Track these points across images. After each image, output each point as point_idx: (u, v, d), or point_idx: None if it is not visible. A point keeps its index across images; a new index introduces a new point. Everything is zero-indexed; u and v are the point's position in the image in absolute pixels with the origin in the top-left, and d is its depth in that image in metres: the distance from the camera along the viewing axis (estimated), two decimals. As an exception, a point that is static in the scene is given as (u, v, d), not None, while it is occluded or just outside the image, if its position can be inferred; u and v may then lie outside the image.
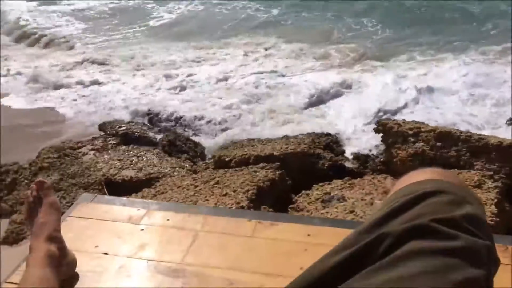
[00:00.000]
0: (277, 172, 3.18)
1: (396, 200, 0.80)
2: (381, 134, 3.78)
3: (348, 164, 3.87)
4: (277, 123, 5.53)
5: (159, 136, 5.03)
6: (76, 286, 1.29)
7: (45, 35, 9.59)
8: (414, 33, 8.57)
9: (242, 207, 2.65)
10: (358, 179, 3.21)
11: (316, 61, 7.71)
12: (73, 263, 1.33)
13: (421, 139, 3.43)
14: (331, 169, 3.67)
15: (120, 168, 3.91)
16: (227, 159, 3.72)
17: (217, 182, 3.07)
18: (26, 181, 3.62)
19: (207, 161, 4.45)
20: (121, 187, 3.60)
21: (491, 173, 3.05)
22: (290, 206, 2.96)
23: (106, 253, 1.42)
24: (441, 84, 6.38)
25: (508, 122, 5.10)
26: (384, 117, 5.38)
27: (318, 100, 6.21)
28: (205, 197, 2.86)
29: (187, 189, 3.04)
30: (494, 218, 2.46)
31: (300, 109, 5.98)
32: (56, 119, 5.75)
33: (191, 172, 3.83)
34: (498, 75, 6.49)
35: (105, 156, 4.20)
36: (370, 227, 0.77)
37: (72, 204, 1.78)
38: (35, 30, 9.90)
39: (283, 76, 7.13)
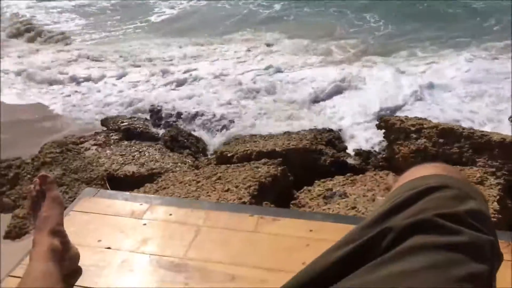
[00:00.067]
0: (279, 168, 3.18)
1: (399, 195, 0.80)
2: (383, 130, 3.77)
3: (350, 160, 3.87)
4: (279, 119, 5.53)
5: (161, 132, 5.04)
6: (78, 280, 1.30)
7: (42, 31, 9.56)
8: (417, 28, 8.54)
9: (244, 203, 2.66)
10: (360, 175, 3.21)
11: (318, 57, 7.69)
12: (76, 257, 1.33)
13: (424, 135, 3.43)
14: (333, 165, 3.67)
15: (122, 163, 3.91)
16: (229, 155, 3.72)
17: (219, 178, 3.07)
18: (28, 176, 3.63)
19: (209, 156, 4.45)
20: (123, 182, 3.61)
21: (494, 169, 3.05)
22: (292, 202, 2.96)
23: (108, 248, 1.43)
24: (442, 81, 6.36)
25: (510, 119, 5.08)
26: (385, 113, 5.37)
27: (320, 96, 6.19)
28: (207, 192, 2.87)
29: (189, 185, 3.04)
30: (496, 215, 2.46)
31: (302, 105, 5.97)
32: (46, 114, 5.73)
33: (193, 168, 3.83)
34: (500, 71, 6.46)
35: (107, 151, 4.21)
36: (373, 222, 0.77)
37: (74, 199, 1.79)
38: (32, 26, 9.87)
39: (285, 72, 7.12)
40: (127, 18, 10.54)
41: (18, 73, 7.06)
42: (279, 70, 7.14)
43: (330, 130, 4.56)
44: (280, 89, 6.39)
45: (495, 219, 2.41)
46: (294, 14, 10.03)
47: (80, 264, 1.33)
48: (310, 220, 1.54)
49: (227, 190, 2.85)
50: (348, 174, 3.21)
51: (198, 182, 3.07)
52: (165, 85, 6.70)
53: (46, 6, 11.45)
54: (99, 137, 4.61)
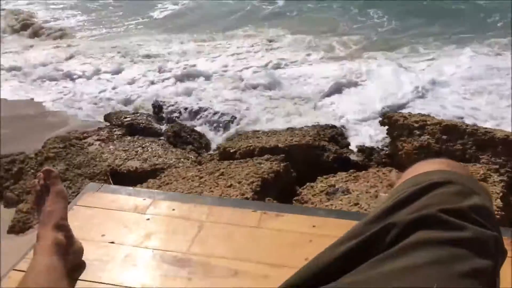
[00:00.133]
0: (281, 164, 3.18)
1: (403, 191, 0.80)
2: (386, 127, 3.77)
3: (353, 157, 3.87)
4: (282, 115, 5.52)
5: (164, 127, 5.05)
6: (82, 274, 1.30)
7: (42, 27, 9.53)
8: (420, 24, 8.50)
9: (247, 199, 2.66)
10: (363, 171, 3.21)
11: (320, 53, 7.67)
12: (80, 251, 1.34)
13: (427, 132, 3.42)
14: (336, 161, 3.67)
15: (126, 159, 3.92)
16: (232, 151, 3.72)
17: (222, 174, 3.07)
18: (32, 170, 3.64)
19: (212, 152, 4.46)
20: (126, 178, 3.61)
21: (497, 166, 3.04)
22: (295, 198, 2.96)
23: (112, 242, 1.43)
24: (444, 77, 6.33)
25: None
26: (386, 110, 5.36)
27: (323, 92, 6.18)
28: (210, 188, 2.87)
29: (192, 180, 3.05)
30: (499, 212, 2.45)
31: (304, 101, 5.96)
32: (38, 111, 5.71)
33: (196, 163, 3.84)
34: (503, 67, 6.42)
35: (111, 147, 4.21)
36: (376, 218, 0.77)
37: (77, 194, 1.79)
38: (31, 22, 9.83)
39: (287, 68, 7.10)
40: (129, 14, 10.52)
41: (12, 69, 7.03)
42: (281, 66, 7.13)
43: (333, 127, 4.55)
44: (283, 85, 6.38)
45: (498, 216, 2.41)
46: (297, 10, 9.99)
47: (84, 258, 1.34)
48: (313, 216, 1.54)
49: (230, 186, 2.86)
50: (351, 171, 3.21)
51: (201, 177, 3.07)
52: (162, 81, 6.68)
53: (47, 2, 11.40)
54: (102, 132, 4.62)
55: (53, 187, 1.31)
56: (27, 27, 9.59)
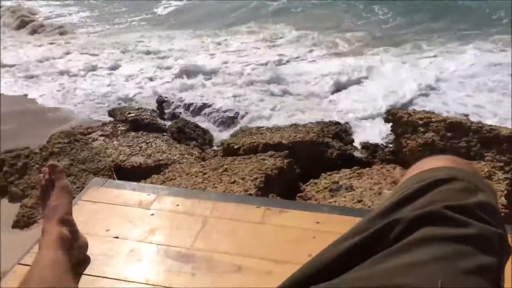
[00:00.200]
0: (285, 161, 3.18)
1: (408, 187, 0.79)
2: (390, 124, 3.76)
3: (356, 154, 3.86)
4: (285, 111, 5.52)
5: (168, 123, 5.05)
6: (87, 269, 1.31)
7: (43, 24, 9.53)
8: (425, 21, 8.48)
9: (250, 195, 2.66)
10: (367, 168, 3.20)
11: (324, 49, 7.66)
12: (85, 246, 1.34)
13: (431, 129, 3.41)
14: (340, 158, 3.67)
15: (130, 154, 3.93)
16: (235, 147, 3.72)
17: (226, 170, 3.08)
18: (37, 165, 3.66)
19: (215, 148, 4.46)
20: (130, 173, 3.63)
21: (502, 164, 3.03)
22: (298, 194, 2.96)
23: (116, 237, 1.44)
24: (448, 74, 6.32)
25: None
26: (388, 107, 5.34)
27: (327, 88, 6.18)
28: (214, 184, 2.88)
29: (196, 176, 3.05)
30: (504, 210, 2.45)
31: (308, 97, 5.96)
32: (32, 107, 5.71)
33: (199, 159, 3.84)
34: (506, 64, 6.39)
35: (115, 142, 4.22)
36: (381, 214, 0.77)
37: (82, 189, 1.80)
38: (32, 19, 9.82)
39: (291, 64, 7.10)
40: (133, 10, 10.52)
41: (6, 66, 7.03)
42: (284, 63, 7.12)
43: (337, 123, 4.55)
44: (286, 81, 6.38)
45: (502, 214, 2.41)
46: (302, 6, 9.97)
47: (88, 253, 1.35)
48: (317, 212, 1.54)
49: (234, 182, 2.86)
50: (355, 167, 3.20)
51: (205, 173, 3.08)
52: (161, 78, 6.68)
53: (50, -1, 11.47)
54: (106, 128, 4.63)
55: (58, 182, 1.32)
56: (26, 23, 9.57)
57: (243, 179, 2.88)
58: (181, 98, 5.76)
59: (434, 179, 0.79)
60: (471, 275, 0.65)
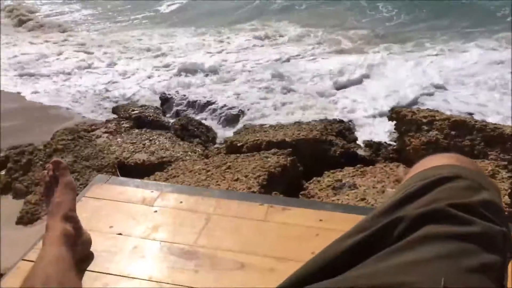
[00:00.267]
0: (288, 158, 3.18)
1: (412, 185, 0.79)
2: (394, 122, 3.75)
3: (360, 152, 3.85)
4: (288, 109, 5.52)
5: (171, 120, 5.06)
6: (90, 265, 1.31)
7: (42, 22, 9.50)
8: (429, 18, 8.44)
9: (253, 193, 2.66)
10: (370, 166, 3.19)
11: (327, 47, 7.64)
12: (88, 242, 1.35)
13: (435, 127, 3.40)
14: (343, 156, 3.66)
15: (133, 151, 3.94)
16: (239, 144, 3.72)
17: (229, 167, 3.08)
18: (40, 162, 3.67)
19: (218, 146, 4.46)
20: (133, 170, 3.63)
21: (506, 163, 3.02)
22: (301, 192, 2.96)
23: (120, 234, 1.44)
24: (450, 72, 6.29)
25: None
26: (392, 105, 5.33)
27: (330, 86, 6.17)
28: (217, 181, 2.88)
29: (199, 174, 3.06)
30: (508, 208, 2.44)
31: (311, 95, 5.95)
32: (27, 105, 5.71)
33: (203, 157, 3.85)
34: (510, 62, 6.35)
35: (118, 139, 4.23)
36: (385, 211, 0.77)
37: (85, 186, 1.80)
38: (32, 17, 9.79)
39: (293, 62, 7.09)
40: (136, 8, 10.50)
41: (5, 63, 7.03)
42: (288, 60, 7.11)
43: (341, 121, 4.54)
44: (289, 79, 6.37)
45: (506, 213, 2.40)
46: (306, 3, 9.95)
47: (92, 249, 1.35)
48: (320, 210, 1.54)
49: (237, 180, 2.86)
50: (358, 166, 3.19)
51: (208, 171, 3.08)
52: (160, 75, 6.67)
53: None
54: (110, 125, 4.65)
55: (62, 179, 1.32)
56: (24, 21, 9.54)
57: (246, 176, 2.89)
58: (184, 95, 5.76)
59: (438, 177, 0.79)
60: (475, 273, 0.65)
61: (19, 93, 6.08)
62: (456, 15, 8.44)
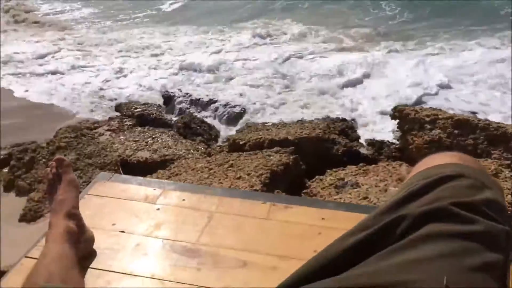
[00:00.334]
0: (291, 157, 3.18)
1: (414, 183, 0.79)
2: (397, 121, 3.74)
3: (362, 150, 3.85)
4: (291, 107, 5.51)
5: (174, 118, 5.06)
6: (93, 262, 1.32)
7: (37, 21, 9.46)
8: (433, 17, 8.41)
9: (256, 191, 2.66)
10: (373, 165, 3.19)
11: (329, 45, 7.62)
12: (91, 240, 1.35)
13: (438, 126, 3.39)
14: (346, 154, 3.66)
15: (136, 149, 3.94)
16: (241, 143, 3.72)
17: (231, 165, 3.08)
18: (43, 160, 3.68)
19: (221, 144, 4.47)
20: (136, 168, 3.64)
21: (509, 162, 3.00)
22: (304, 191, 2.96)
23: (122, 231, 1.45)
24: (453, 71, 6.27)
25: None
26: (393, 104, 5.31)
27: (332, 84, 6.16)
28: (219, 180, 2.88)
29: (201, 172, 3.06)
30: (510, 208, 2.43)
31: (312, 93, 5.94)
32: (22, 104, 5.71)
33: (205, 155, 3.85)
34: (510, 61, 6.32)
35: (121, 137, 4.24)
36: (387, 210, 0.77)
37: (88, 183, 1.81)
38: (32, 15, 9.75)
39: (296, 60, 7.07)
40: (138, 6, 10.45)
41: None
42: (289, 59, 7.09)
43: (343, 120, 4.54)
44: (291, 77, 6.37)
45: (509, 212, 2.39)
46: (309, 2, 9.92)
47: (94, 247, 1.35)
48: (322, 209, 1.54)
49: (239, 178, 2.86)
50: (361, 164, 3.19)
51: (210, 169, 3.08)
52: (158, 74, 6.65)
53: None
54: (113, 122, 4.66)
55: (65, 176, 1.33)
56: (23, 20, 9.51)
57: (248, 175, 2.89)
58: (187, 93, 5.77)
59: (441, 176, 0.79)
60: (477, 272, 0.65)
61: (10, 90, 6.06)
62: (459, 13, 8.40)
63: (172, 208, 1.58)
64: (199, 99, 5.66)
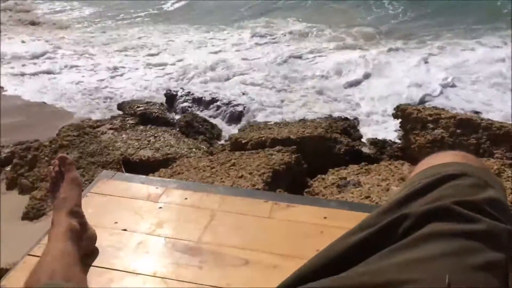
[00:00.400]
0: (293, 156, 3.18)
1: (417, 182, 0.79)
2: (399, 120, 3.74)
3: (365, 150, 3.85)
4: (293, 106, 5.51)
5: (176, 117, 5.07)
6: (95, 260, 1.32)
7: (35, 21, 9.44)
8: (436, 15, 8.38)
9: (258, 190, 2.66)
10: (375, 164, 3.19)
11: (332, 44, 7.61)
12: (93, 238, 1.35)
13: (441, 125, 3.39)
14: (348, 154, 3.66)
15: (138, 148, 3.95)
16: (243, 142, 3.72)
17: (233, 164, 3.08)
18: (46, 158, 3.69)
19: (223, 143, 4.47)
20: (138, 167, 3.65)
21: (511, 161, 3.00)
22: (306, 190, 2.96)
23: (125, 230, 1.45)
24: (455, 70, 6.25)
25: None
26: (395, 103, 5.30)
27: (334, 83, 6.15)
28: (221, 178, 2.88)
29: (203, 170, 3.06)
30: (512, 207, 2.42)
31: (315, 92, 5.94)
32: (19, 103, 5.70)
33: (207, 154, 3.85)
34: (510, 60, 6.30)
35: (123, 136, 4.25)
36: (389, 208, 0.77)
37: (90, 182, 1.81)
38: (31, 15, 9.72)
39: (298, 59, 7.07)
40: (139, 5, 10.40)
41: None
42: (291, 58, 7.09)
43: (345, 119, 4.54)
44: (293, 76, 6.36)
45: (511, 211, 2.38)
46: (312, 1, 9.90)
47: (97, 245, 1.36)
48: (324, 208, 1.54)
49: (241, 177, 2.86)
50: (363, 163, 3.19)
51: (213, 168, 3.08)
52: (158, 74, 6.63)
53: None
54: (115, 121, 4.66)
55: (68, 174, 1.33)
56: (21, 19, 9.48)
57: (250, 173, 2.89)
58: (189, 92, 5.77)
59: (443, 175, 0.78)
60: (480, 271, 0.64)
61: (4, 88, 6.05)
62: (460, 12, 8.38)
63: (174, 207, 1.58)
64: (201, 97, 5.66)
